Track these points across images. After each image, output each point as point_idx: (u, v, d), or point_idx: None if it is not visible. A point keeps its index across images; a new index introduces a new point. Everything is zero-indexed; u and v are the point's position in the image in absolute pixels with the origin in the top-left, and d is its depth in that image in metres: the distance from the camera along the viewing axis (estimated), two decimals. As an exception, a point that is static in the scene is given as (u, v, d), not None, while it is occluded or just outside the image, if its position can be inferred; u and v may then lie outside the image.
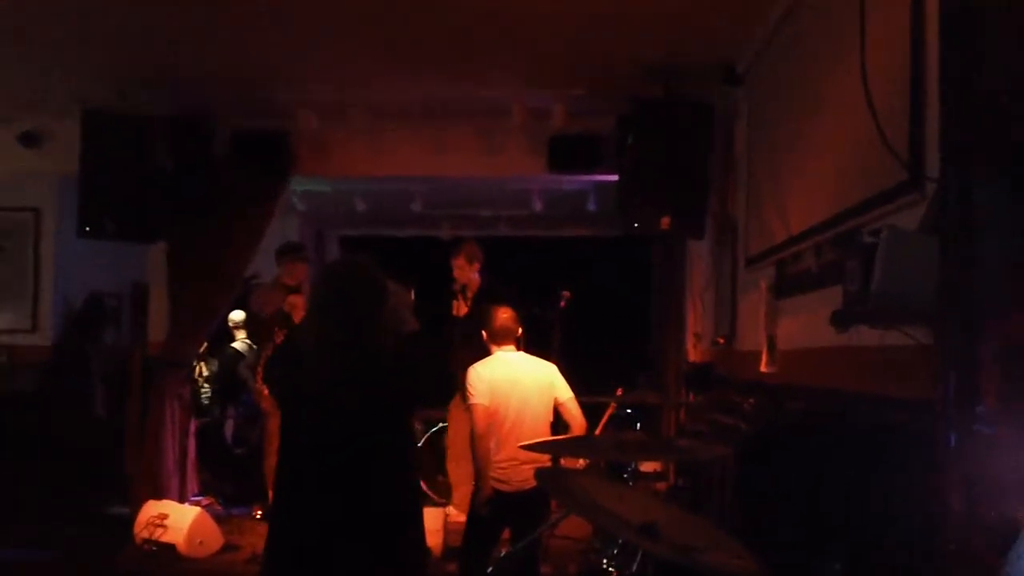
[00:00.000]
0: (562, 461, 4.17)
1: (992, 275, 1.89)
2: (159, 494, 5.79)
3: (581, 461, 4.82)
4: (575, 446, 3.44)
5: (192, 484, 6.32)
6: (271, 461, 6.13)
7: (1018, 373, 1.79)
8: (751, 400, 3.79)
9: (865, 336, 2.91)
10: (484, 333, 4.33)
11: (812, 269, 3.78)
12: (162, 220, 5.96)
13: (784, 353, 4.14)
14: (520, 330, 4.35)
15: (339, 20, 4.60)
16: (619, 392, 5.96)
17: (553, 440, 3.76)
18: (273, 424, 6.15)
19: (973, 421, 1.83)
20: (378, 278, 2.84)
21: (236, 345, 7.48)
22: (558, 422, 4.34)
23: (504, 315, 4.30)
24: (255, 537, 5.77)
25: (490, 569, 2.58)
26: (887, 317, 2.51)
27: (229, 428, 7.46)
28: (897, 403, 2.67)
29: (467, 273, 5.65)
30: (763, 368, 4.28)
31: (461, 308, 5.56)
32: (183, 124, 5.94)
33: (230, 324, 7.38)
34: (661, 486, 5.35)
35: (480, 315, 4.47)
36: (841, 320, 2.64)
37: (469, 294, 5.59)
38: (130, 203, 5.70)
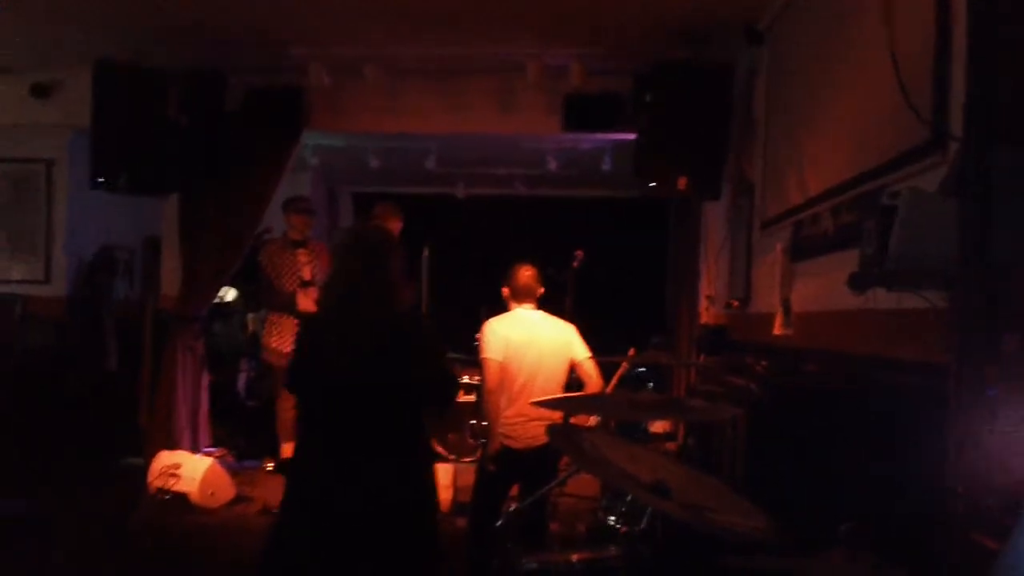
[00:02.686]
0: (572, 420, 4.18)
1: (1011, 238, 1.86)
2: (172, 445, 5.87)
3: (592, 420, 4.84)
4: (587, 403, 3.44)
5: (205, 436, 6.40)
6: (282, 415, 6.19)
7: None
8: (764, 363, 3.76)
9: (881, 299, 2.88)
10: (505, 290, 4.33)
11: (829, 231, 3.74)
12: (175, 174, 5.97)
13: (799, 316, 4.12)
14: (542, 289, 4.35)
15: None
16: (631, 353, 5.95)
17: (565, 397, 3.77)
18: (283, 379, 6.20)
19: (985, 383, 1.82)
20: (389, 247, 2.97)
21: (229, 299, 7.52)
22: (572, 385, 4.35)
23: (526, 273, 4.30)
24: (266, 489, 5.85)
25: (499, 523, 2.59)
26: (905, 280, 2.47)
27: (242, 381, 7.51)
28: (911, 366, 2.65)
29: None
30: (777, 331, 4.26)
31: None
32: (196, 78, 5.92)
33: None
34: (671, 446, 5.37)
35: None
36: (858, 282, 2.60)
37: None
38: (143, 156, 5.69)
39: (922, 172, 2.69)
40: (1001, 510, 1.63)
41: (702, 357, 5.50)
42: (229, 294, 7.57)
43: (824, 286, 3.74)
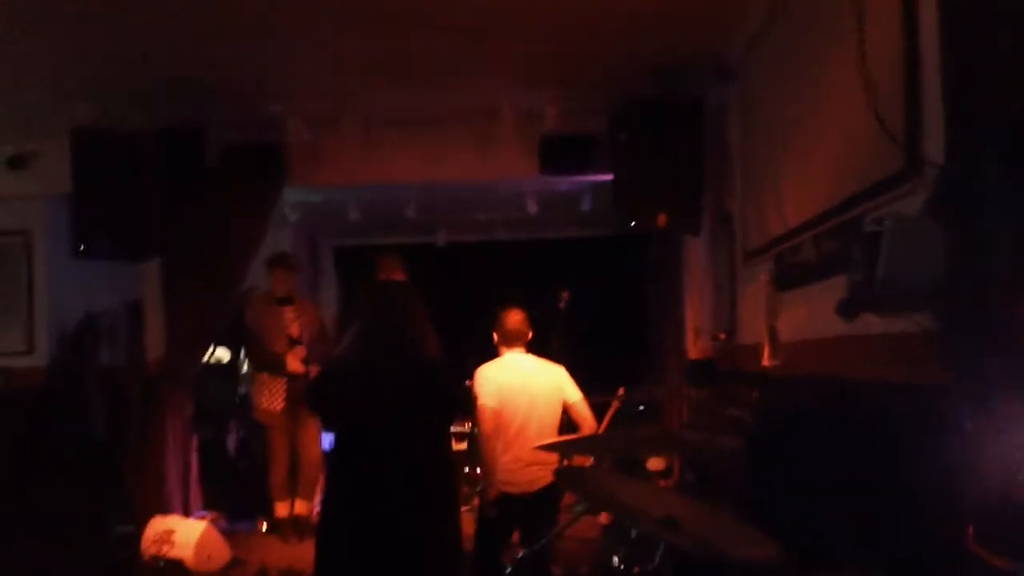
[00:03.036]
0: (566, 463, 4.17)
1: (998, 254, 1.90)
2: (164, 511, 5.78)
3: (588, 461, 4.83)
4: (587, 444, 3.45)
5: (196, 499, 6.31)
6: (274, 476, 6.14)
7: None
8: (755, 393, 3.79)
9: (870, 324, 2.91)
10: (495, 335, 4.35)
11: (812, 260, 3.78)
12: (156, 236, 5.95)
13: (786, 345, 4.14)
14: (531, 333, 4.37)
15: (328, 31, 4.59)
16: (621, 391, 5.95)
17: (565, 440, 3.77)
18: (276, 439, 6.16)
19: (986, 399, 1.84)
20: (417, 298, 3.21)
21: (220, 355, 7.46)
22: (566, 426, 4.35)
23: (515, 317, 4.33)
24: (262, 551, 5.80)
25: (508, 570, 2.58)
26: (893, 304, 2.51)
27: (232, 442, 7.42)
28: (904, 388, 2.68)
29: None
30: (765, 361, 4.28)
31: None
32: (174, 138, 5.92)
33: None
34: (665, 483, 5.35)
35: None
36: (847, 308, 2.63)
37: None
38: (124, 221, 5.68)
39: (900, 198, 2.74)
40: (1011, 528, 1.64)
41: (693, 392, 5.52)
42: (222, 354, 7.51)
43: (811, 314, 3.77)
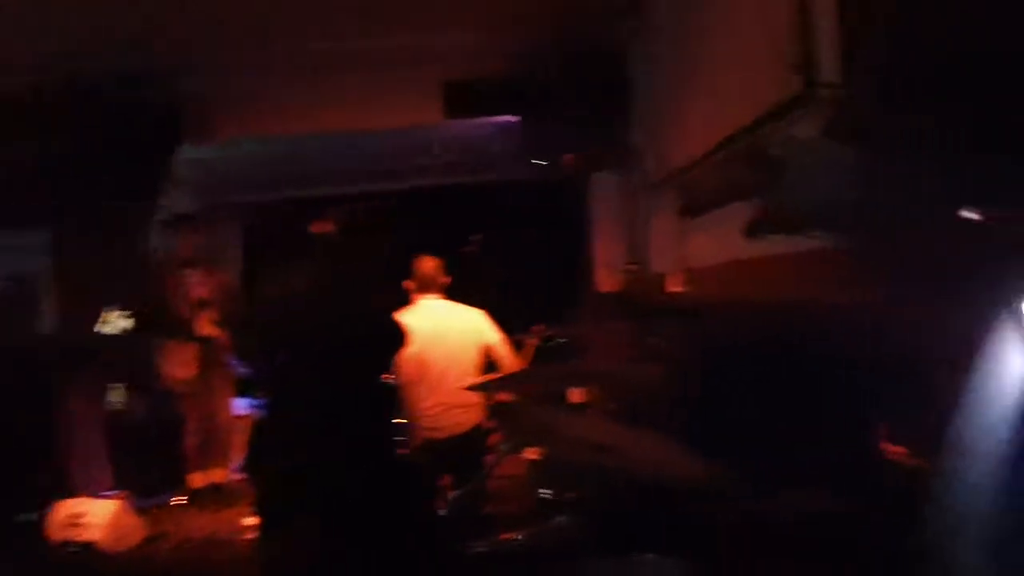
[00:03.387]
0: (494, 400, 4.24)
1: (904, 178, 1.99)
2: (69, 493, 5.54)
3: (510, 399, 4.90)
4: (514, 381, 3.50)
5: (104, 479, 6.09)
6: (188, 445, 5.97)
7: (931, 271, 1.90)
8: (671, 320, 3.89)
9: (776, 244, 3.01)
10: (410, 283, 4.34)
11: (717, 187, 3.88)
12: (45, 208, 5.70)
13: (696, 271, 4.26)
14: (446, 279, 4.37)
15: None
16: (539, 328, 6.02)
17: (493, 377, 3.82)
18: (188, 406, 5.99)
19: (895, 313, 1.94)
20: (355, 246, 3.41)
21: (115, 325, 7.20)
22: (488, 369, 4.39)
23: (429, 264, 4.34)
24: (178, 524, 5.62)
25: (444, 512, 2.62)
26: (797, 224, 2.60)
27: (139, 413, 7.19)
28: (811, 306, 2.79)
29: None
30: (677, 288, 4.40)
31: None
32: (63, 103, 5.63)
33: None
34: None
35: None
36: (754, 229, 2.73)
37: None
38: (11, 189, 5.41)
39: (798, 120, 2.82)
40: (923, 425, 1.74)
41: (607, 323, 5.63)
42: (119, 322, 7.24)
43: (718, 239, 3.87)
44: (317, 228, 4.95)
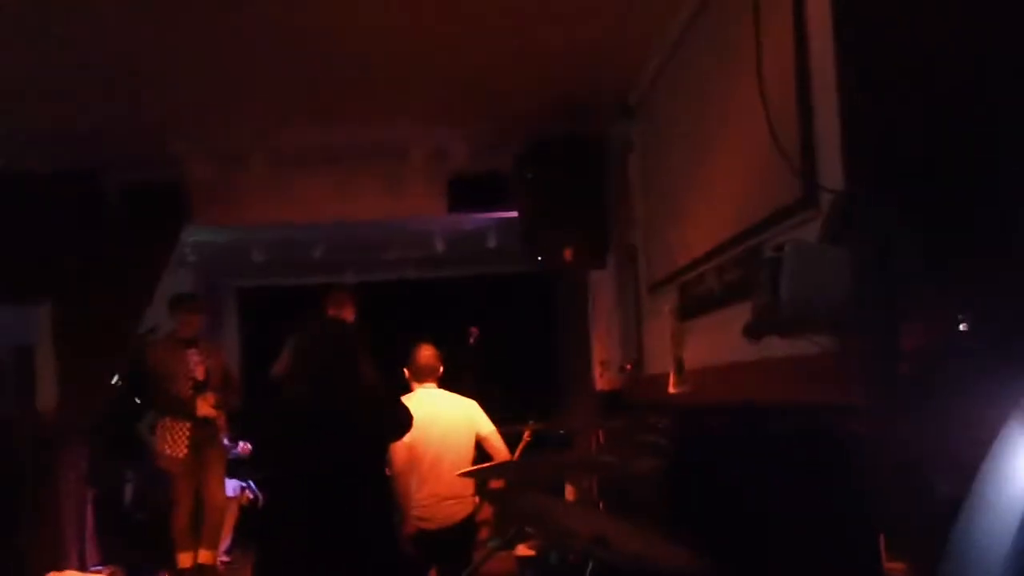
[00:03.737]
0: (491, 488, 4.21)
1: (900, 281, 2.03)
2: (59, 567, 5.49)
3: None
4: (507, 470, 3.48)
5: (93, 554, 6.03)
6: (177, 524, 5.92)
7: (930, 373, 1.92)
8: (665, 420, 3.90)
9: (774, 347, 3.04)
10: (406, 371, 4.36)
11: (715, 290, 3.93)
12: (48, 280, 5.76)
13: (692, 373, 4.27)
14: (442, 368, 4.40)
15: (231, 71, 4.55)
16: (532, 423, 6.00)
17: (488, 465, 3.80)
18: (179, 485, 5.95)
19: (898, 418, 1.96)
20: (353, 336, 3.38)
21: None
22: (480, 460, 4.36)
23: (427, 352, 4.37)
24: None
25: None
26: (796, 326, 2.64)
27: (128, 492, 7.12)
28: (808, 409, 2.81)
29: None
30: (672, 389, 4.40)
31: None
32: (69, 180, 5.75)
33: None
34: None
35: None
36: (753, 331, 2.75)
37: None
38: (13, 263, 5.48)
39: (799, 225, 2.89)
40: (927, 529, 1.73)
41: (602, 422, 5.61)
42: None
43: (715, 342, 3.90)
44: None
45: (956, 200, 1.69)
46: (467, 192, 6.10)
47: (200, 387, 5.95)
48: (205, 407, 5.88)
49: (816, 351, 2.64)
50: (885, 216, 1.89)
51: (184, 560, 5.93)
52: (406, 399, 4.27)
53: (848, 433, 2.27)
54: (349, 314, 5.85)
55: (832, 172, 2.50)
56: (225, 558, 6.65)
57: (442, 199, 6.07)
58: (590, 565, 1.90)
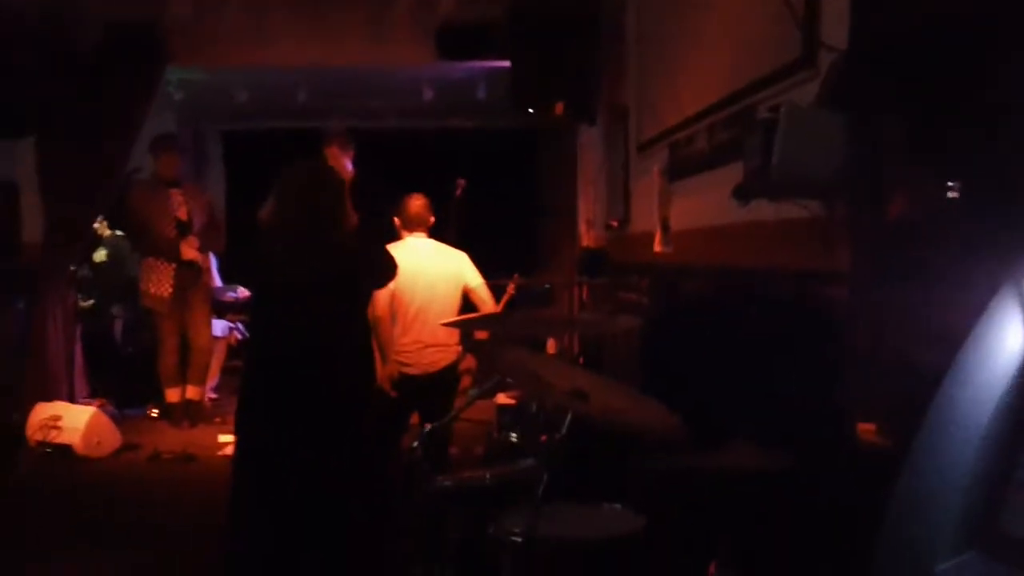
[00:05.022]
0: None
1: (889, 149, 2.01)
2: (48, 398, 5.63)
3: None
4: (488, 322, 3.54)
5: (82, 387, 6.18)
6: (164, 362, 6.05)
7: (917, 241, 1.93)
8: (648, 279, 3.93)
9: (762, 211, 3.04)
10: (396, 219, 4.36)
11: (705, 150, 3.89)
12: (30, 115, 5.65)
13: (678, 233, 4.29)
14: (432, 218, 4.39)
15: None
16: (516, 277, 6.06)
17: (467, 317, 3.85)
18: (165, 325, 6.04)
19: (878, 286, 1.98)
20: (334, 178, 3.31)
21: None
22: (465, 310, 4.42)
23: (417, 202, 4.36)
24: (154, 435, 5.76)
25: (415, 444, 2.66)
26: (786, 190, 2.63)
27: (117, 329, 7.23)
28: (791, 273, 2.84)
29: (340, 163, 5.59)
30: (657, 248, 4.42)
31: None
32: (48, 16, 5.54)
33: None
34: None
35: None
36: (743, 193, 2.74)
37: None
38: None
39: (796, 86, 2.83)
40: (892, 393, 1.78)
41: (586, 280, 5.67)
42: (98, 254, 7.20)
43: (702, 203, 3.89)
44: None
45: (958, 68, 1.65)
46: (457, 40, 5.91)
47: (183, 227, 5.94)
48: (190, 251, 5.89)
49: (804, 216, 2.65)
50: (883, 83, 1.84)
51: (172, 395, 6.11)
52: (394, 247, 4.28)
53: (829, 298, 2.30)
54: (346, 160, 5.72)
55: (837, 29, 2.41)
56: (212, 395, 6.83)
57: (431, 46, 5.89)
58: (568, 417, 1.95)
